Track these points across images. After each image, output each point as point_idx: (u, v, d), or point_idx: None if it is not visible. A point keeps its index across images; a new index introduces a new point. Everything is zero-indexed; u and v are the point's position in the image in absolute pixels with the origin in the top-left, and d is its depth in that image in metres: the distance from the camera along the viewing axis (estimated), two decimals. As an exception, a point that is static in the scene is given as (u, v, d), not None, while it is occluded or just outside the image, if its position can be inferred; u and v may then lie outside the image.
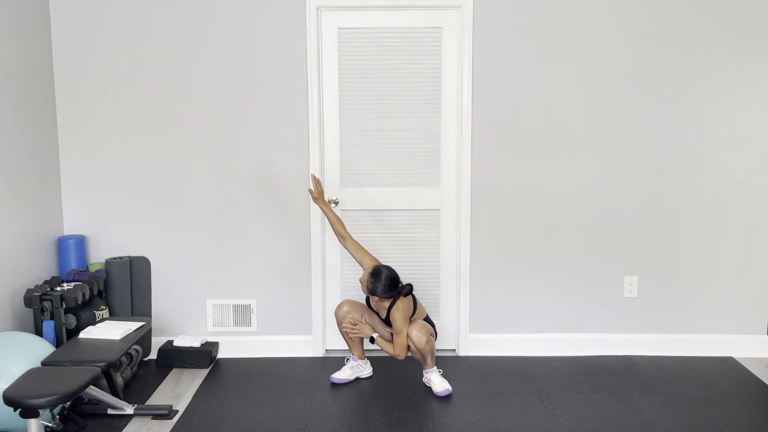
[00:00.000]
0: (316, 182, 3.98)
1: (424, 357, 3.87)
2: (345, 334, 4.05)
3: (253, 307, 4.43)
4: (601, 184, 4.31)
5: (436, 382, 3.90)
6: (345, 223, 4.09)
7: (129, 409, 3.61)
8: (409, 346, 3.84)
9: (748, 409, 3.69)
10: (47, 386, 2.97)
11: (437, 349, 4.40)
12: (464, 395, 3.86)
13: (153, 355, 4.40)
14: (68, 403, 3.43)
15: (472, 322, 4.45)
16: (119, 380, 3.85)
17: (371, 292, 3.80)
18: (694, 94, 4.22)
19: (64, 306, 3.80)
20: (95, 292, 4.02)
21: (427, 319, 3.97)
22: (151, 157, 4.28)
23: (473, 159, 4.28)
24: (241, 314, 4.44)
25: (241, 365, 4.31)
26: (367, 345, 4.15)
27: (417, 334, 3.78)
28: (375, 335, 3.91)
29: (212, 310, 4.43)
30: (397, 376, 4.12)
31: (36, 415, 2.94)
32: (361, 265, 3.91)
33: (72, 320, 3.86)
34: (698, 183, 4.31)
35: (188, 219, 4.34)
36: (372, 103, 4.28)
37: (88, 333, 3.67)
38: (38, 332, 3.76)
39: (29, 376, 3.09)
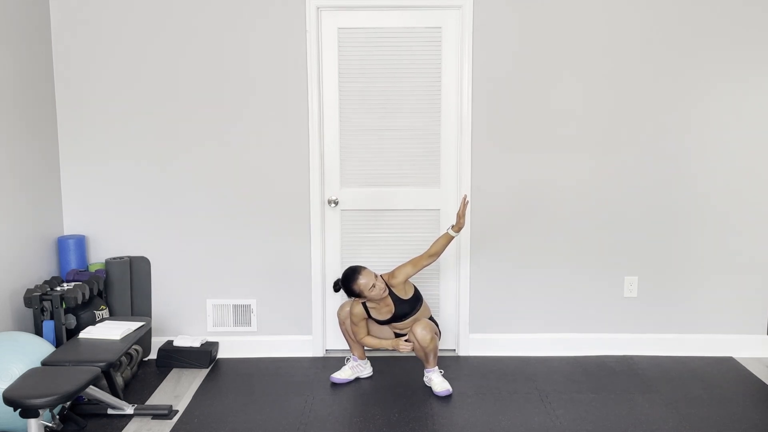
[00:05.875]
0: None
1: (426, 355, 3.87)
2: (346, 333, 4.06)
3: (253, 307, 4.43)
4: (602, 184, 4.31)
5: (437, 382, 3.90)
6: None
7: (129, 409, 3.61)
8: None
9: (748, 409, 3.69)
10: (47, 386, 2.97)
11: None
12: (464, 395, 3.86)
13: (153, 355, 4.40)
14: (68, 403, 3.43)
15: (472, 322, 4.45)
16: (119, 380, 3.85)
17: (357, 295, 3.83)
18: (695, 95, 4.22)
19: (64, 306, 3.80)
20: (95, 292, 4.02)
21: (431, 319, 3.97)
22: (151, 157, 4.28)
23: (473, 159, 4.28)
24: (241, 314, 4.44)
25: (241, 365, 4.31)
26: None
27: (422, 332, 3.79)
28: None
29: (212, 310, 4.43)
30: (397, 376, 4.12)
31: (36, 415, 2.94)
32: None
33: (72, 320, 3.86)
34: (698, 183, 4.31)
35: (188, 219, 4.34)
36: (372, 103, 4.28)
37: (88, 333, 3.67)
38: (38, 332, 3.76)
39: (29, 376, 3.08)
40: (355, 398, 3.85)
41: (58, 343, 3.78)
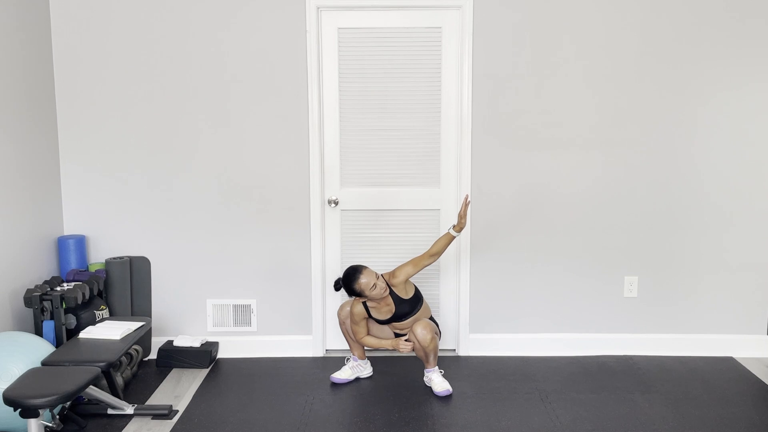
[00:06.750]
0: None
1: (427, 355, 3.87)
2: (346, 333, 4.06)
3: (253, 307, 4.43)
4: (602, 184, 4.31)
5: (437, 381, 3.90)
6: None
7: (129, 409, 3.62)
8: (413, 344, 3.85)
9: (748, 409, 3.69)
10: (47, 386, 2.97)
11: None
12: (464, 395, 3.86)
13: (153, 355, 4.40)
14: (68, 403, 3.43)
15: (472, 322, 4.45)
16: (119, 380, 3.85)
17: (358, 295, 3.82)
18: (696, 95, 4.22)
19: (64, 306, 3.80)
20: (95, 292, 4.02)
21: (431, 319, 3.97)
22: (152, 156, 4.28)
23: (473, 159, 4.28)
24: (241, 314, 4.44)
25: (241, 365, 4.31)
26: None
27: (422, 331, 3.79)
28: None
29: (212, 310, 4.43)
30: (397, 376, 4.12)
31: (36, 415, 2.94)
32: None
33: (72, 320, 3.86)
34: (699, 183, 4.31)
35: (188, 219, 4.34)
36: (372, 103, 4.28)
37: (88, 333, 3.67)
38: (38, 332, 3.76)
39: (29, 376, 3.09)
40: (355, 398, 3.85)
41: (58, 343, 3.78)
